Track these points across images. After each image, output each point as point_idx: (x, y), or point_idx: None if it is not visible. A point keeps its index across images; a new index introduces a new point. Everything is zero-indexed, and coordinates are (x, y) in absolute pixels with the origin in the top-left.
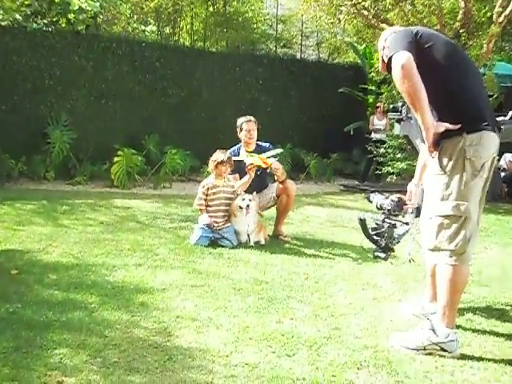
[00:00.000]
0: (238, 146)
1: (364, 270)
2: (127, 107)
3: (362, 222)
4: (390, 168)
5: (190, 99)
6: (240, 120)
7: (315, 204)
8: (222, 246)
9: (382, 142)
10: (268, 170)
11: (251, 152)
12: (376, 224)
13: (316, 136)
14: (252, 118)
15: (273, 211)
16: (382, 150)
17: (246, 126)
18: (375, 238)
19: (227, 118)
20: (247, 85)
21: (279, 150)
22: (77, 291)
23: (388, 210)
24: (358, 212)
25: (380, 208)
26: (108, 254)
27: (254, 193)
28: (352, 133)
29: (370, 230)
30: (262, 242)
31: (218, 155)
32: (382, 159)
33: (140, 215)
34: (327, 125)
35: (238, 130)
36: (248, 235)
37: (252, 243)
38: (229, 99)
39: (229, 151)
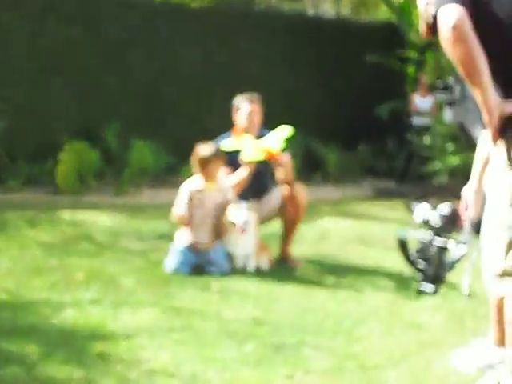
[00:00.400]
0: (228, 133)
1: (404, 306)
2: (78, 86)
3: (402, 243)
4: (438, 164)
5: (163, 74)
6: (239, 99)
7: (336, 214)
8: (210, 275)
9: (427, 128)
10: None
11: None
12: (421, 245)
13: (336, 121)
14: (257, 96)
15: (276, 226)
16: (427, 140)
17: (248, 108)
18: (420, 264)
19: (214, 100)
20: (241, 53)
21: (287, 130)
22: (11, 339)
23: (437, 225)
24: (396, 226)
25: (426, 223)
26: (53, 286)
27: (253, 201)
28: (386, 117)
29: (412, 254)
30: (265, 267)
31: (203, 150)
32: (427, 152)
33: (97, 233)
34: (352, 106)
35: (236, 110)
36: (245, 259)
37: (251, 269)
38: (216, 73)
39: (218, 138)
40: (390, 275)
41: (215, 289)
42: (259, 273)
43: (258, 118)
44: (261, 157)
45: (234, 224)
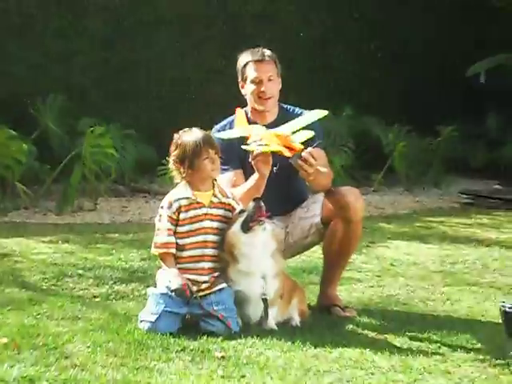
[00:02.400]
0: (233, 117)
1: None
2: None
3: (510, 317)
4: None
5: (131, 17)
6: (242, 58)
7: (409, 236)
8: (209, 334)
9: None
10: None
11: (269, 127)
12: None
13: (404, 91)
14: (268, 52)
15: (315, 256)
16: None
17: (256, 72)
18: None
19: (210, 58)
20: None
21: (321, 113)
22: None
23: None
24: (503, 253)
25: None
26: None
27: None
28: (484, 80)
29: None
30: (296, 321)
31: (184, 139)
32: None
33: (30, 270)
34: (427, 66)
35: (240, 79)
36: (265, 302)
37: (272, 325)
38: (211, 14)
39: (216, 127)
40: (490, 331)
41: (218, 357)
42: (287, 330)
43: (274, 88)
44: (277, 149)
45: (245, 228)
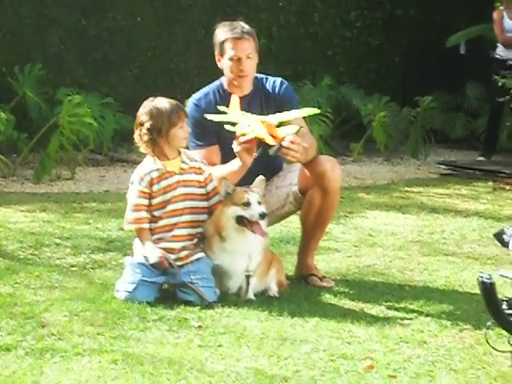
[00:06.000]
0: (217, 83)
1: (492, 352)
2: None
3: (488, 288)
4: None
5: None
6: (220, 33)
7: (387, 206)
8: (186, 303)
9: None
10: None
11: (244, 99)
12: None
13: (384, 60)
14: (247, 27)
15: (292, 226)
16: None
17: (234, 50)
18: None
19: (189, 28)
20: None
21: (312, 111)
22: None
23: None
24: (481, 224)
25: None
26: None
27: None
28: (463, 51)
29: (503, 306)
30: (274, 291)
31: (162, 106)
32: None
33: (7, 239)
34: (407, 35)
35: (217, 53)
36: (247, 278)
37: (251, 295)
38: None
39: (194, 97)
40: (468, 301)
41: (195, 326)
42: (265, 301)
43: (251, 65)
44: (261, 136)
45: (240, 222)
